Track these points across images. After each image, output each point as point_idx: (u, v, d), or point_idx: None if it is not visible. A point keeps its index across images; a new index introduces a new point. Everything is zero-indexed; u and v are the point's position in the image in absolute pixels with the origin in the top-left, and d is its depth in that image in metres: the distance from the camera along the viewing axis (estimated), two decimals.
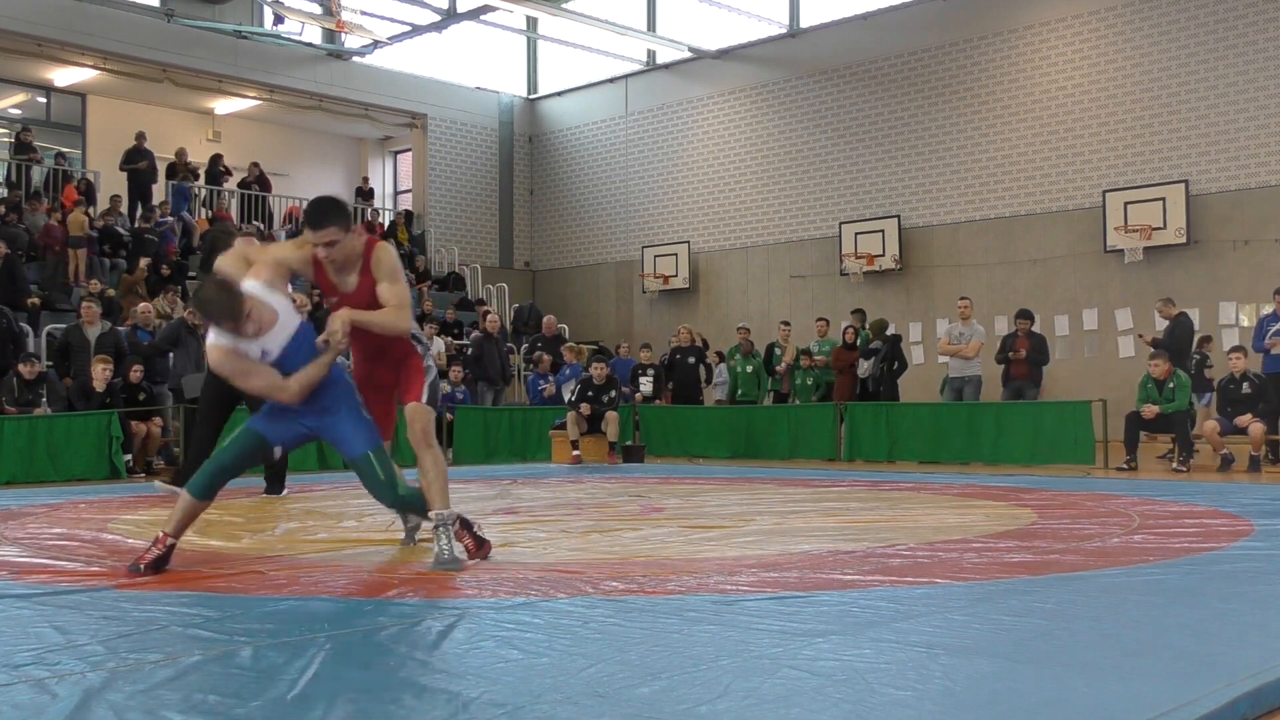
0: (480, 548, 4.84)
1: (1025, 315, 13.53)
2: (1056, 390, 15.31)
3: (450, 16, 20.75)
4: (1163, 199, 15.95)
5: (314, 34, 21.50)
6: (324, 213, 4.63)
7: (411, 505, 4.80)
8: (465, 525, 4.83)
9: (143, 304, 14.06)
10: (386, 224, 22.99)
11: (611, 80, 22.71)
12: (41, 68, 19.43)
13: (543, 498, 8.37)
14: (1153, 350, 12.17)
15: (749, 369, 15.73)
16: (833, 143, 19.52)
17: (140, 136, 18.89)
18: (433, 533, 4.67)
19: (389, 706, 2.51)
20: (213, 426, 7.97)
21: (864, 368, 14.44)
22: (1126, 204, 16.22)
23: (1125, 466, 11.27)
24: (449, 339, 17.61)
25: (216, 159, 20.61)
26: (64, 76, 19.95)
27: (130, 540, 5.77)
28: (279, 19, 20.64)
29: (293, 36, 21.23)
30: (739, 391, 15.67)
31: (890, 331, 15.30)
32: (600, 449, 13.47)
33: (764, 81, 20.46)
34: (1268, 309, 12.91)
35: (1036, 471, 11.27)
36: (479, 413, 14.61)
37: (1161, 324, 13.57)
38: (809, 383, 15.42)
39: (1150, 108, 16.29)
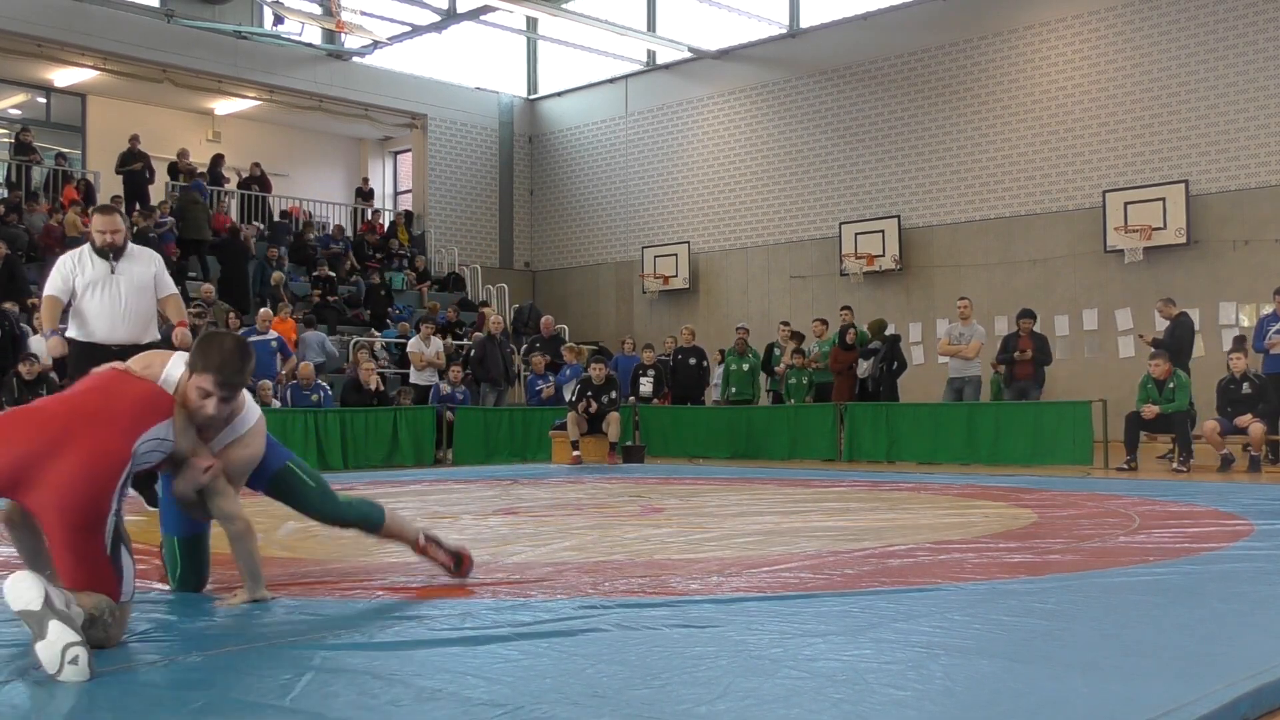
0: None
1: (1028, 314, 13.53)
2: (1056, 390, 15.29)
3: (450, 17, 20.75)
4: (1163, 199, 15.95)
5: (314, 34, 21.51)
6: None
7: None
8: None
9: None
10: (386, 224, 23.00)
11: (611, 80, 22.71)
12: (41, 68, 19.43)
13: (543, 498, 8.37)
14: (1153, 350, 12.18)
15: (744, 368, 15.73)
16: (833, 143, 19.51)
17: (134, 139, 18.89)
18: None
19: (389, 706, 2.51)
20: None
21: (863, 368, 14.44)
22: (1126, 204, 16.22)
23: (1125, 466, 11.27)
24: (450, 339, 17.61)
25: (218, 159, 20.65)
26: (64, 76, 19.95)
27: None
28: (279, 19, 20.64)
29: (293, 37, 21.23)
30: (733, 391, 15.67)
31: (889, 331, 15.30)
32: (600, 449, 13.47)
33: (764, 81, 20.46)
34: (1268, 309, 12.91)
35: (1036, 471, 11.27)
36: (479, 413, 14.61)
37: (1162, 324, 13.57)
38: (804, 381, 15.42)
39: (1150, 108, 16.29)
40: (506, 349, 16.40)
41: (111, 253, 6.70)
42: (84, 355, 6.50)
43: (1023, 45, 17.50)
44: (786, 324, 16.61)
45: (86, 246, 6.85)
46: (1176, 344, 12.57)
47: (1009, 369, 13.29)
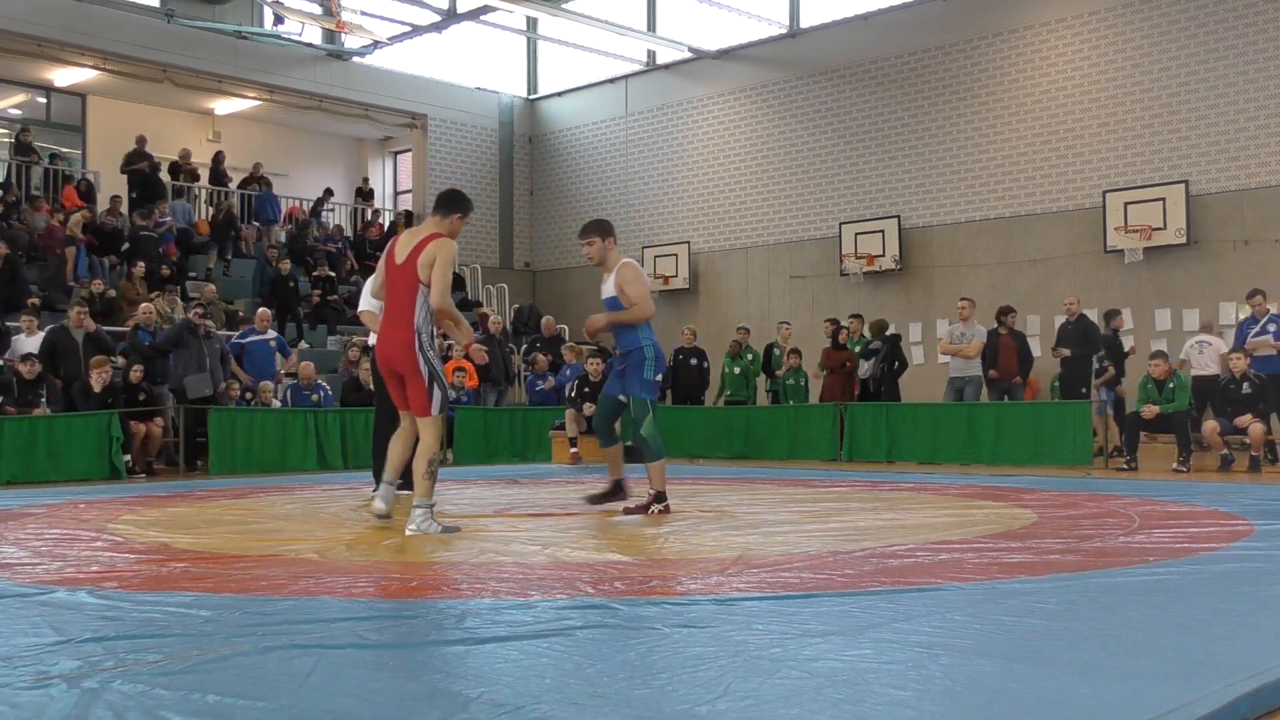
0: None
1: (1008, 310, 13.66)
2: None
3: (450, 17, 20.75)
4: (1163, 199, 15.94)
5: (314, 34, 21.51)
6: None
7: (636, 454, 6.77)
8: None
9: (144, 304, 14.06)
10: (386, 224, 23.00)
11: (611, 80, 22.71)
12: (41, 68, 19.43)
13: (543, 498, 8.38)
14: (1153, 350, 12.21)
15: (736, 370, 15.70)
16: (833, 143, 19.51)
17: (141, 140, 18.91)
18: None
19: (389, 706, 2.51)
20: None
21: (864, 368, 14.44)
22: (1126, 204, 16.22)
23: (1125, 466, 11.27)
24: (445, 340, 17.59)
25: (219, 157, 20.65)
26: (64, 76, 19.95)
27: (130, 540, 5.77)
28: (279, 19, 20.64)
29: (293, 37, 21.23)
30: (727, 392, 15.65)
31: (890, 331, 15.30)
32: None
33: (764, 81, 20.46)
34: (1246, 313, 13.00)
35: (1036, 471, 11.27)
36: (479, 413, 14.61)
37: (1063, 320, 13.99)
38: (801, 383, 15.40)
39: (1150, 108, 16.29)
40: (506, 349, 16.40)
41: None
42: None
43: (1023, 45, 17.49)
44: (787, 324, 16.61)
45: None
46: (1081, 339, 13.19)
47: (985, 371, 13.38)
